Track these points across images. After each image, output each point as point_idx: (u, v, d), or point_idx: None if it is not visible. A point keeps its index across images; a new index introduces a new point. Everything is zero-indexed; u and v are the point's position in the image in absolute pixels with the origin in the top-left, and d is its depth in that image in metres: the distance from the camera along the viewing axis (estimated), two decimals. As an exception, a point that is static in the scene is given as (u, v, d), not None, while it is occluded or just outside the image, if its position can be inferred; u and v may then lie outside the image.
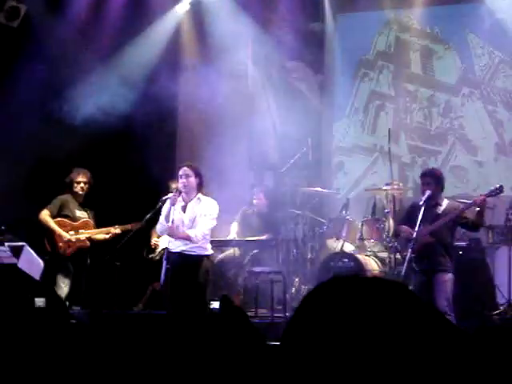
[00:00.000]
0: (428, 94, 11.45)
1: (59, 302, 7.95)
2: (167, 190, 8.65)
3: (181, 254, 7.95)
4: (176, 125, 11.91)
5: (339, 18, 11.93)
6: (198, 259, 7.99)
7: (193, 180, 7.98)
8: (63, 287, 8.89)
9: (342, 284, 1.41)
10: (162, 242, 8.20)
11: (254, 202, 10.25)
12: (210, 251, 8.17)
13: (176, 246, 7.97)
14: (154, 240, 9.71)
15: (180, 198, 8.01)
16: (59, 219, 9.08)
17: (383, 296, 1.37)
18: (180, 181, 7.99)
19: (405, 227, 7.84)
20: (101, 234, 9.19)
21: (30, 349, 2.98)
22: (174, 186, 8.66)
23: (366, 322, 1.34)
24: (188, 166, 8.05)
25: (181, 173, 8.01)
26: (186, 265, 7.91)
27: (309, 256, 10.19)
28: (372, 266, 9.32)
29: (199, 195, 8.02)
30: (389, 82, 11.68)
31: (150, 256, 9.70)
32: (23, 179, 9.94)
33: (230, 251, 9.73)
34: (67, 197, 9.20)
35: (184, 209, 8.02)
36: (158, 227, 8.11)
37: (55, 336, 3.10)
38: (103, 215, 9.52)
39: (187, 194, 8.01)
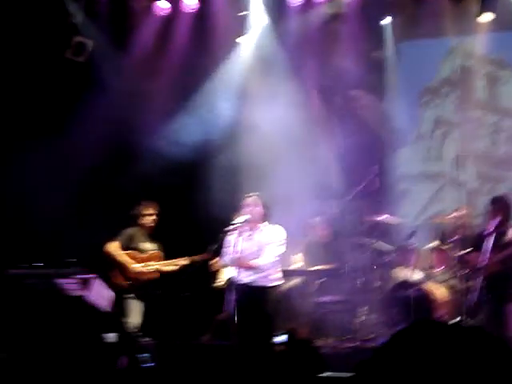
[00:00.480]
0: (494, 119, 11.32)
1: (129, 336, 8.05)
2: (231, 221, 8.67)
3: (248, 286, 7.95)
4: (240, 154, 11.99)
5: (402, 46, 11.90)
6: (266, 290, 7.98)
7: (260, 210, 8.02)
8: (133, 319, 8.96)
9: (426, 329, 1.45)
10: (227, 270, 8.23)
11: (316, 231, 10.27)
12: (277, 282, 8.13)
13: (244, 277, 7.98)
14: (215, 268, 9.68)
15: (246, 228, 8.05)
16: (129, 252, 9.17)
17: (462, 344, 1.40)
18: (247, 210, 8.03)
19: (473, 256, 7.75)
20: (170, 266, 9.24)
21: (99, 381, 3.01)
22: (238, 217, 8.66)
23: (444, 368, 1.38)
24: (255, 196, 8.09)
25: (247, 202, 8.05)
26: (254, 296, 7.89)
27: (376, 285, 10.10)
28: (440, 294, 9.19)
29: (265, 223, 8.05)
30: (454, 108, 11.58)
31: (215, 285, 9.70)
32: (91, 212, 10.11)
33: (296, 281, 9.71)
34: (136, 229, 9.29)
35: (250, 239, 8.05)
36: (225, 257, 8.14)
37: (124, 371, 3.14)
38: (170, 248, 9.58)
39: (254, 224, 8.04)
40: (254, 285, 7.95)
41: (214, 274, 9.80)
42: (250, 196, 8.12)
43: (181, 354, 7.77)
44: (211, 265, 9.52)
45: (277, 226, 8.09)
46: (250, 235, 8.05)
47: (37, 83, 10.28)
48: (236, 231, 7.96)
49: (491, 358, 1.41)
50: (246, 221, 8.00)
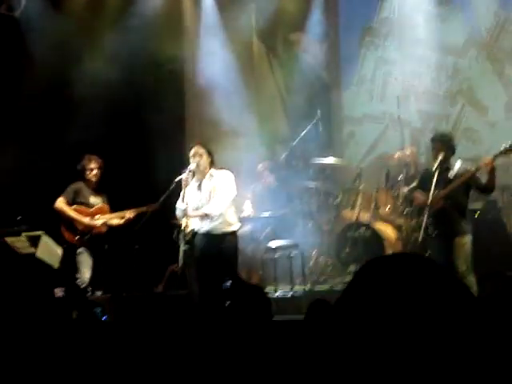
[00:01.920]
0: (434, 57, 11.37)
1: (80, 290, 8.01)
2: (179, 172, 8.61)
3: (206, 234, 7.94)
4: (184, 102, 11.91)
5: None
6: (226, 236, 7.97)
7: (205, 158, 7.99)
8: (85, 273, 8.93)
9: (382, 263, 1.53)
10: (193, 222, 8.17)
11: (263, 177, 10.30)
12: (235, 226, 8.12)
13: (201, 227, 7.97)
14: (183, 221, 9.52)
15: (194, 179, 8.02)
16: (75, 206, 9.10)
17: (412, 272, 1.48)
18: (192, 160, 7.99)
19: (418, 194, 7.84)
20: (115, 219, 9.19)
21: (51, 339, 3.00)
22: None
23: (401, 294, 1.44)
24: (199, 145, 8.05)
25: (192, 152, 8.00)
26: (212, 244, 7.89)
27: (325, 228, 10.20)
28: (389, 234, 9.32)
29: (211, 170, 8.02)
30: (394, 47, 11.61)
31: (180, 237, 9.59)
32: (35, 166, 9.97)
33: (247, 228, 9.74)
34: (80, 184, 9.20)
35: (199, 188, 8.03)
36: (177, 211, 8.11)
37: (75, 326, 3.13)
38: (117, 199, 9.50)
39: (200, 173, 8.01)
40: (213, 233, 7.94)
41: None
42: (195, 145, 8.07)
43: (133, 305, 7.77)
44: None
45: (223, 171, 8.07)
46: (199, 185, 8.02)
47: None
48: (182, 182, 7.93)
49: (443, 289, 1.50)
50: (191, 171, 7.97)
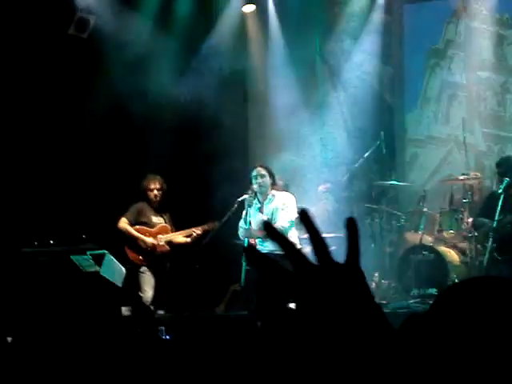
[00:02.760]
0: (501, 80, 11.24)
1: (145, 309, 8.09)
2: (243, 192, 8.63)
3: (270, 254, 7.93)
4: (245, 120, 11.96)
5: (406, 9, 11.81)
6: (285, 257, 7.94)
7: (267, 180, 8.03)
8: (147, 292, 9.01)
9: (470, 285, 1.51)
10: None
11: (322, 196, 10.30)
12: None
13: (264, 248, 7.99)
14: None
15: (255, 201, 8.07)
16: (137, 227, 9.18)
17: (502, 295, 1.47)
18: (255, 182, 8.04)
19: (485, 220, 7.74)
20: (180, 237, 9.24)
21: (119, 357, 3.03)
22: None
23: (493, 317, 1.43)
24: (261, 167, 8.11)
25: (254, 173, 8.05)
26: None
27: (387, 250, 10.11)
28: (453, 257, 9.20)
29: (273, 192, 8.06)
30: (460, 70, 11.51)
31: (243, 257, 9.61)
32: (100, 184, 10.12)
33: (307, 249, 9.67)
34: (142, 203, 9.29)
35: (261, 210, 8.07)
36: (239, 231, 8.17)
37: (143, 343, 3.16)
38: (180, 218, 9.56)
39: (262, 194, 8.06)
40: (275, 253, 7.94)
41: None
42: (257, 166, 8.13)
43: (195, 325, 7.82)
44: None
45: (284, 193, 8.11)
46: (261, 206, 8.07)
47: (42, 62, 10.23)
48: (246, 203, 7.99)
49: None
50: (254, 192, 8.02)
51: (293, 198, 8.06)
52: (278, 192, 8.10)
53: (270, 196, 8.05)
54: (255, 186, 8.02)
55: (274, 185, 8.10)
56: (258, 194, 8.08)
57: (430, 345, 1.44)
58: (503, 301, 1.43)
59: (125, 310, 7.20)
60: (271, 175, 8.09)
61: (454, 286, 1.53)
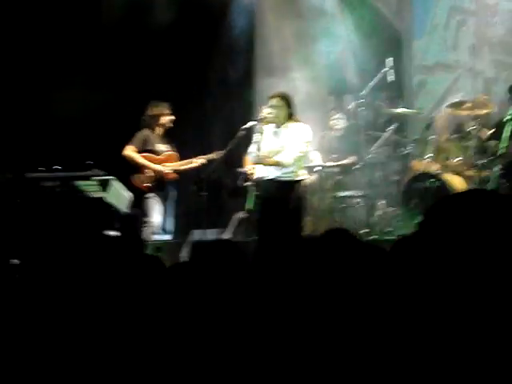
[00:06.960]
0: (510, 6, 11.04)
1: (136, 235, 8.11)
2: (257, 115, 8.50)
3: (272, 180, 7.94)
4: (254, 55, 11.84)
5: None
6: (291, 184, 7.95)
7: (285, 109, 7.91)
8: (155, 218, 9.03)
9: (456, 199, 1.50)
10: (258, 169, 8.16)
11: (331, 124, 10.24)
12: (302, 176, 8.08)
13: (269, 173, 7.98)
14: (248, 168, 9.43)
15: (270, 126, 7.99)
16: (145, 154, 9.15)
17: (488, 206, 1.46)
18: (270, 110, 7.93)
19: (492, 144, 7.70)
20: (187, 165, 9.22)
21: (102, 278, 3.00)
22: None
23: (477, 229, 1.42)
24: (279, 97, 7.97)
25: (274, 102, 7.94)
26: (279, 191, 7.89)
27: (393, 178, 10.10)
28: (457, 185, 9.18)
29: (289, 122, 7.97)
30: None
31: (246, 184, 9.57)
32: (104, 111, 10.06)
33: (314, 177, 9.68)
34: (147, 131, 9.22)
35: (276, 135, 7.99)
36: (250, 156, 8.15)
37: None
38: (181, 150, 9.51)
39: (278, 123, 7.97)
40: (279, 180, 7.94)
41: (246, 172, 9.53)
42: (275, 96, 8.00)
43: (201, 250, 7.86)
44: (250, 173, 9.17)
45: (303, 125, 8.01)
46: (276, 132, 7.99)
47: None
48: (259, 129, 7.92)
49: None
50: (266, 119, 7.94)
51: (309, 131, 8.00)
52: (295, 123, 7.99)
53: (287, 125, 7.95)
54: (270, 116, 7.91)
55: (291, 115, 7.99)
56: (272, 122, 7.98)
57: (421, 261, 1.43)
58: (485, 211, 1.41)
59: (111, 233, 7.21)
60: (289, 106, 7.97)
61: (438, 203, 1.51)
